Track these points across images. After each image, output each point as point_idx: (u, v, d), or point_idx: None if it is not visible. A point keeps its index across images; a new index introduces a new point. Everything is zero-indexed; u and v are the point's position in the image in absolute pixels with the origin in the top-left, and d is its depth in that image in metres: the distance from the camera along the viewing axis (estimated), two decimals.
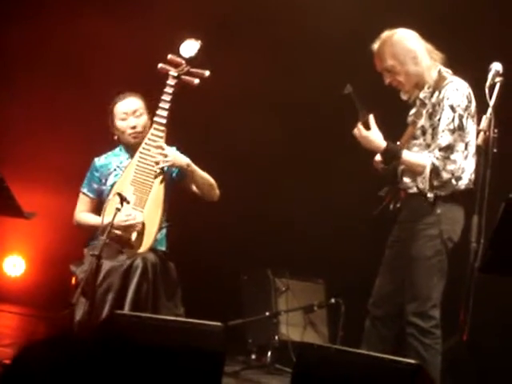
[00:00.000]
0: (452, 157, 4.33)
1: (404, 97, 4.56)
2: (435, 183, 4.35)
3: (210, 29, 5.60)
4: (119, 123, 4.87)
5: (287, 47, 6.46)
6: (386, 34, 4.51)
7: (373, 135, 4.41)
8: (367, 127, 4.41)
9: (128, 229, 4.62)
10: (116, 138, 4.93)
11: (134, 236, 4.63)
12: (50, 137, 6.60)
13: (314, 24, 6.21)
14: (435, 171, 4.33)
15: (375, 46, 4.52)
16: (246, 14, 6.39)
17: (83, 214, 4.94)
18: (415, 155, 4.43)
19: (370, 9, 5.92)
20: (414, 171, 4.42)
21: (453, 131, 4.32)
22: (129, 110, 4.85)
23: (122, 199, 4.42)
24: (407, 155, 4.41)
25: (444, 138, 4.33)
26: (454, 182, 4.37)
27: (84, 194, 4.96)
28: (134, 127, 4.84)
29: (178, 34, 4.86)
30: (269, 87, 6.39)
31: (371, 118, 4.41)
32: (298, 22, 6.28)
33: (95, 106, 5.20)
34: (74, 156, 5.92)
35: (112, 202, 4.49)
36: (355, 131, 4.43)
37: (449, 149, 4.32)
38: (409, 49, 4.46)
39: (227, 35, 6.31)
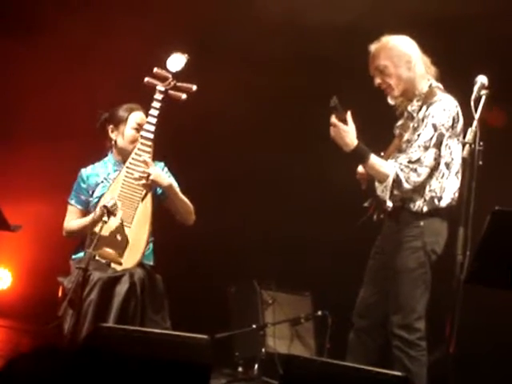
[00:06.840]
0: (419, 170, 4.34)
1: (391, 102, 4.57)
2: (395, 192, 4.36)
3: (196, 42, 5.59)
4: (130, 132, 4.83)
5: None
6: (385, 37, 4.53)
7: (348, 129, 4.35)
8: (344, 123, 4.38)
9: (113, 244, 4.58)
10: (113, 144, 4.88)
11: (116, 252, 4.61)
12: (38, 149, 6.59)
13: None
14: (397, 182, 4.33)
15: (372, 47, 4.53)
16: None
17: (72, 221, 4.88)
18: (382, 162, 4.40)
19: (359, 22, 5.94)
20: (377, 178, 4.41)
21: (427, 148, 4.34)
22: (142, 122, 4.77)
23: (109, 212, 4.41)
24: (374, 159, 4.38)
25: (417, 153, 4.34)
26: (436, 202, 4.39)
27: (72, 205, 4.90)
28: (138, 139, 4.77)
29: (166, 47, 4.84)
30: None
31: (349, 115, 4.37)
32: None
33: (82, 116, 5.18)
34: (60, 167, 5.90)
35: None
36: (331, 121, 4.37)
37: (417, 162, 4.34)
38: (404, 52, 4.47)
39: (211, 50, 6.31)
